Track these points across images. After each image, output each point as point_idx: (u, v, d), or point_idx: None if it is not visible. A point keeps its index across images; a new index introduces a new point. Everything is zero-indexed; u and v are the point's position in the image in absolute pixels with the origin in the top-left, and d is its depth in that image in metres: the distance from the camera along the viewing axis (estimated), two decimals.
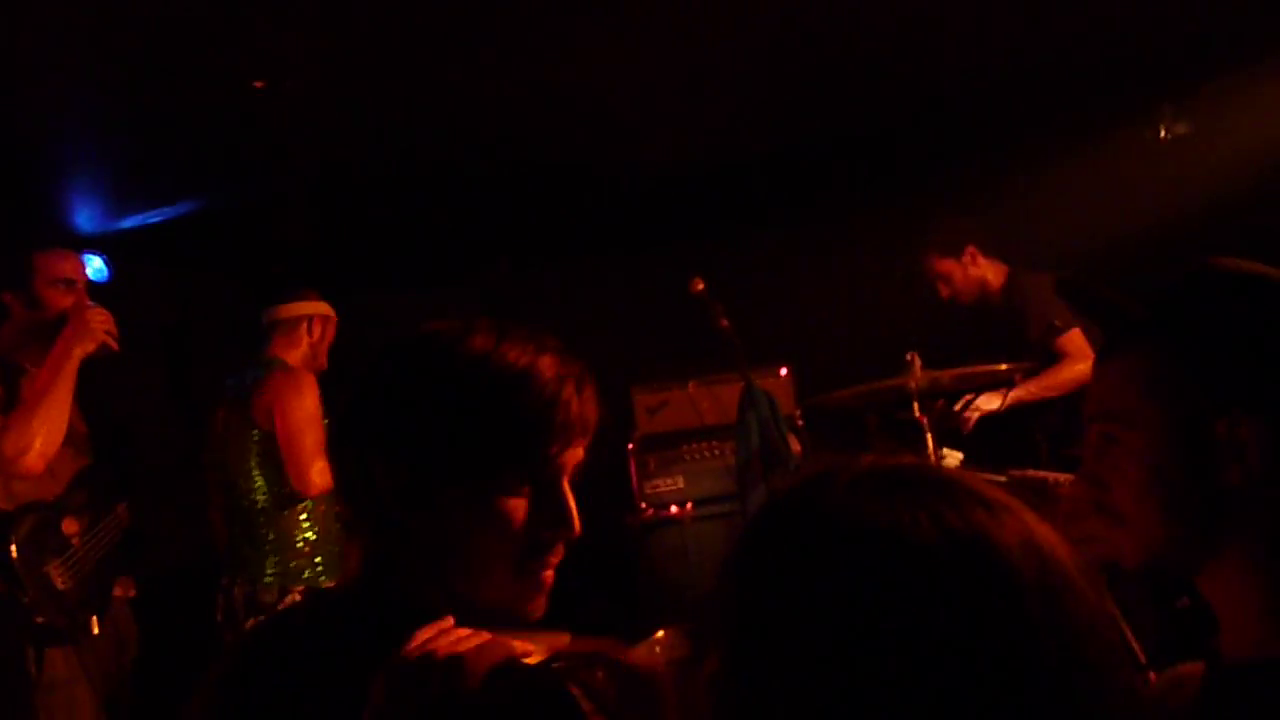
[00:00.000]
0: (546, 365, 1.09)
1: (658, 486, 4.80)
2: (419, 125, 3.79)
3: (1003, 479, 3.06)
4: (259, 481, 3.09)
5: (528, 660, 0.98)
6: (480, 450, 1.07)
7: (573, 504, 1.11)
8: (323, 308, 3.34)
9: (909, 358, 2.90)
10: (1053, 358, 3.54)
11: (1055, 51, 3.76)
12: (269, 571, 3.05)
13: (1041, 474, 3.01)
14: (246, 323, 3.84)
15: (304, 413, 3.02)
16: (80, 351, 2.70)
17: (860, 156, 4.61)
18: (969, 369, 3.35)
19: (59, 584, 2.72)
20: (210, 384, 3.72)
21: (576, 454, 1.13)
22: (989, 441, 3.65)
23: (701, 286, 3.79)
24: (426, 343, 1.13)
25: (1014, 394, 3.48)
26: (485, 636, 0.98)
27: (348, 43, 2.89)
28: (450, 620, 1.00)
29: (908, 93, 4.08)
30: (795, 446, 4.39)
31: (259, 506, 3.08)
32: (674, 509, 4.71)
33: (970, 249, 3.82)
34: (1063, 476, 2.91)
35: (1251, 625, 1.02)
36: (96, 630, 2.82)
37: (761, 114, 4.11)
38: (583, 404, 1.11)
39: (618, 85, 3.57)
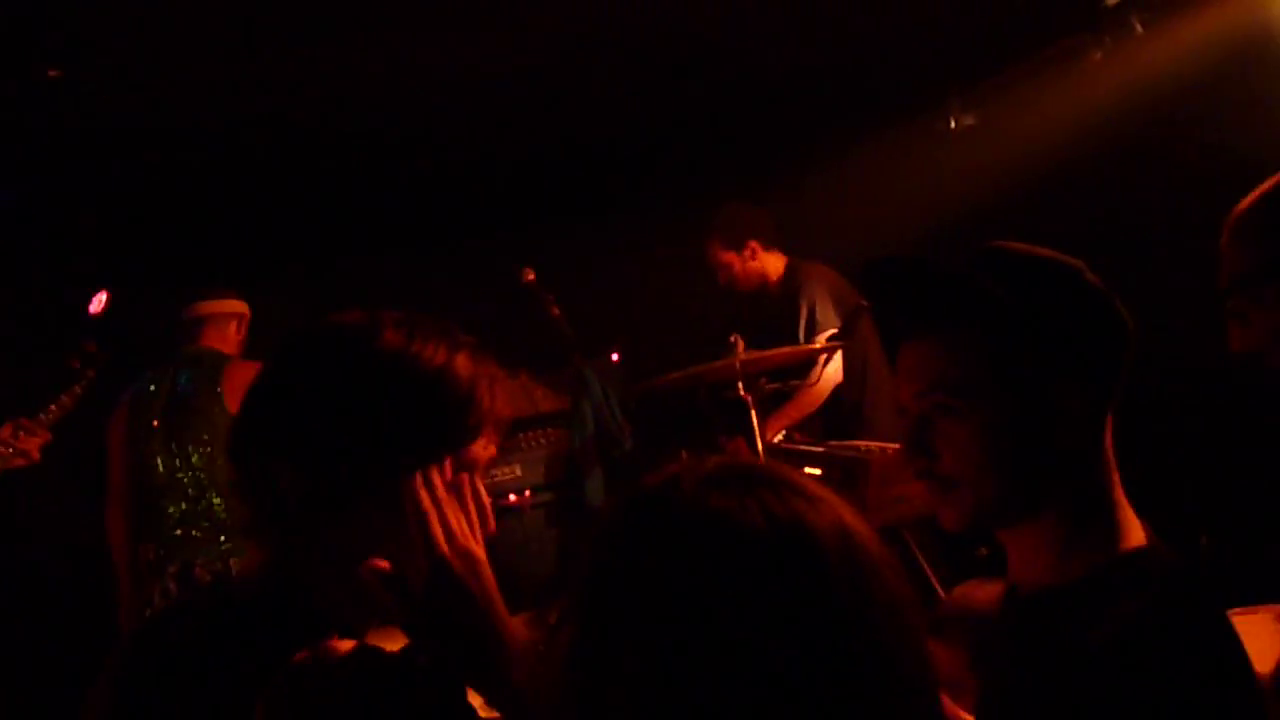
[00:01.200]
0: (461, 363, 1.08)
1: (495, 476, 4.82)
2: (233, 109, 3.66)
3: (820, 449, 3.28)
4: (220, 462, 3.09)
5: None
6: (394, 451, 1.03)
7: (488, 501, 1.09)
8: (245, 307, 3.49)
9: (732, 339, 3.04)
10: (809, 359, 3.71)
11: (849, 45, 3.98)
12: (229, 545, 3.14)
13: (854, 443, 3.24)
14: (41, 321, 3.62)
15: None
16: None
17: (676, 148, 4.75)
18: (789, 349, 3.53)
19: None
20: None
21: (490, 451, 1.12)
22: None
23: (532, 277, 3.84)
24: (333, 338, 1.09)
25: (779, 425, 3.68)
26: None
27: (147, 28, 2.76)
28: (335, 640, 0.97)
29: (716, 84, 4.23)
30: (628, 428, 4.51)
31: (212, 488, 3.15)
32: (512, 498, 4.74)
33: (751, 244, 3.96)
34: (874, 445, 3.15)
35: (1042, 566, 1.18)
36: None
37: (583, 103, 4.18)
38: (495, 401, 1.11)
39: (441, 74, 3.56)
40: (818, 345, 3.63)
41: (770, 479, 0.78)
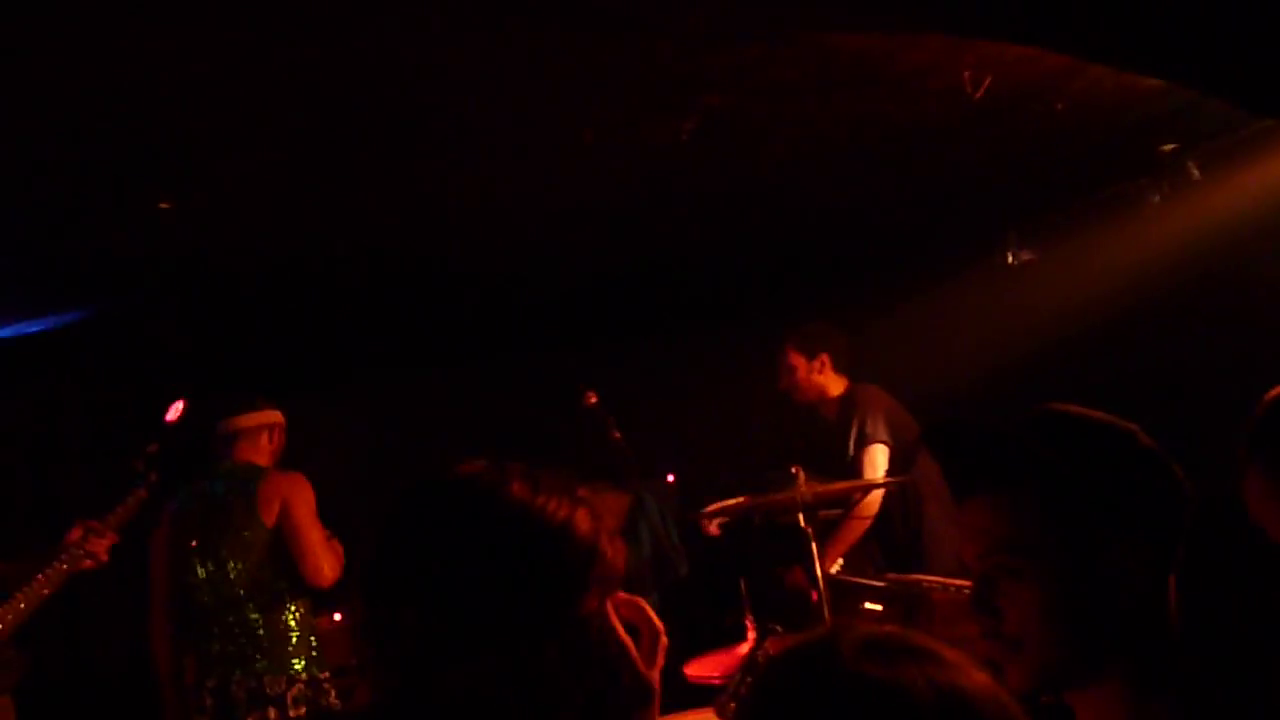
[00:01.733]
0: (583, 517, 1.09)
1: None
2: (307, 238, 3.85)
3: (881, 584, 3.25)
4: (265, 576, 3.21)
5: None
6: (517, 603, 1.05)
7: (631, 646, 1.12)
8: (279, 416, 3.51)
9: (794, 470, 3.07)
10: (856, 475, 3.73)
11: (910, 181, 4.10)
12: (264, 662, 3.17)
13: (916, 577, 3.21)
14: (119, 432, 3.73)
15: (310, 509, 3.24)
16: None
17: (741, 281, 4.87)
18: (849, 483, 3.54)
19: None
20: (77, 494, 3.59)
21: (604, 604, 1.12)
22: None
23: (595, 399, 3.92)
24: (462, 488, 1.11)
25: (835, 555, 3.69)
26: None
27: (252, 163, 2.96)
28: None
29: (779, 217, 4.37)
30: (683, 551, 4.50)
31: (250, 603, 3.20)
32: None
33: (824, 356, 4.03)
34: (935, 580, 3.12)
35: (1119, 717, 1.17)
36: None
37: (649, 233, 4.33)
38: (616, 554, 1.12)
39: (511, 199, 3.72)
40: (879, 480, 3.64)
41: (923, 649, 0.81)
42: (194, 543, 3.27)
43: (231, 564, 3.22)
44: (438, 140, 3.03)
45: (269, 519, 3.24)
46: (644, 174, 3.44)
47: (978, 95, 2.80)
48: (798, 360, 4.05)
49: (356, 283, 4.38)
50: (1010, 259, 4.59)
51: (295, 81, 2.46)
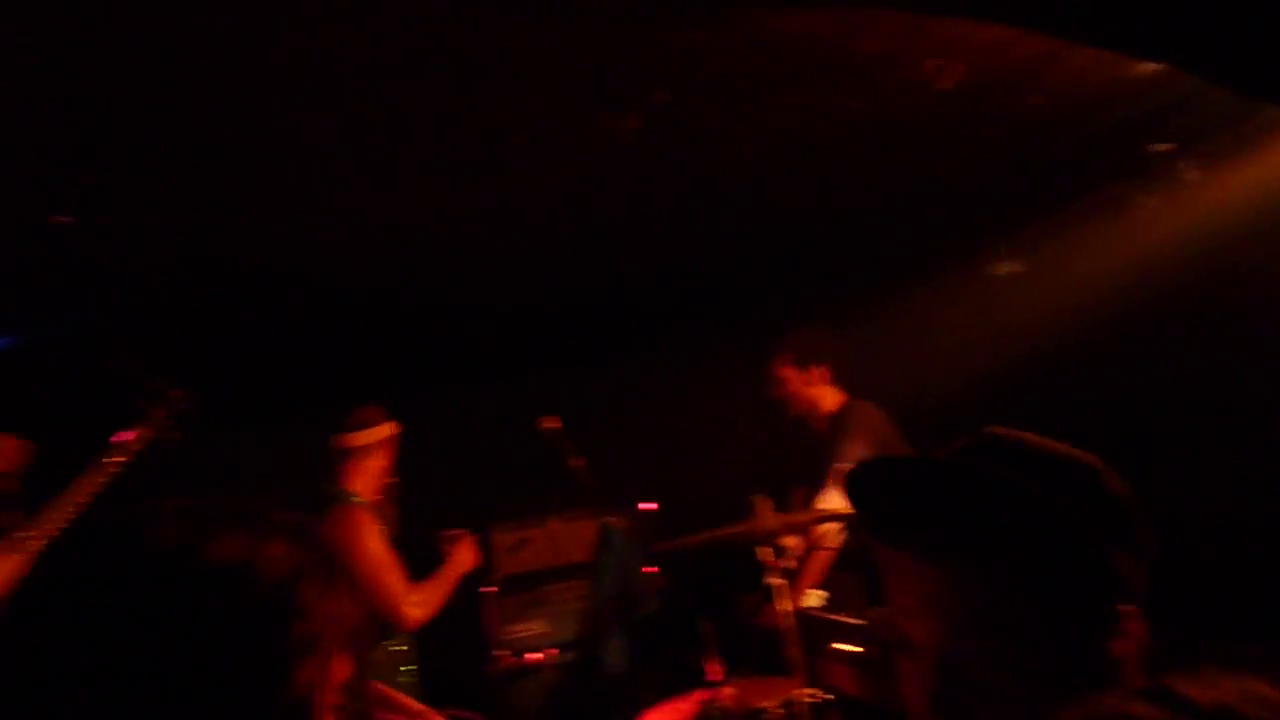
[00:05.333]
0: (275, 555, 0.78)
1: (518, 631, 4.57)
2: (257, 256, 3.65)
3: (858, 623, 2.99)
4: None
5: None
6: (185, 693, 0.73)
7: None
8: (390, 428, 3.30)
9: (751, 501, 2.82)
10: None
11: (891, 189, 3.89)
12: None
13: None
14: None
15: (372, 549, 3.00)
16: None
17: (713, 295, 4.66)
18: (817, 513, 3.30)
19: None
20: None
21: (341, 670, 0.80)
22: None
23: (556, 425, 3.69)
24: (85, 546, 0.78)
25: (802, 589, 3.46)
26: None
27: (166, 175, 2.75)
28: None
29: (762, 237, 4.16)
30: (659, 582, 4.25)
31: None
32: (532, 656, 4.46)
33: (816, 370, 3.79)
34: None
35: None
36: None
37: (614, 254, 4.12)
38: (337, 601, 0.80)
39: (471, 217, 3.53)
40: (833, 510, 3.39)
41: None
42: None
43: None
44: (369, 151, 2.82)
45: None
46: (594, 181, 3.22)
47: (946, 88, 2.57)
48: (787, 371, 3.80)
49: (304, 305, 4.17)
50: (997, 270, 4.38)
51: (200, 84, 2.25)
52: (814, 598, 3.59)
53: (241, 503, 0.83)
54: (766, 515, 2.73)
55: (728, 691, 2.52)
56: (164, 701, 0.72)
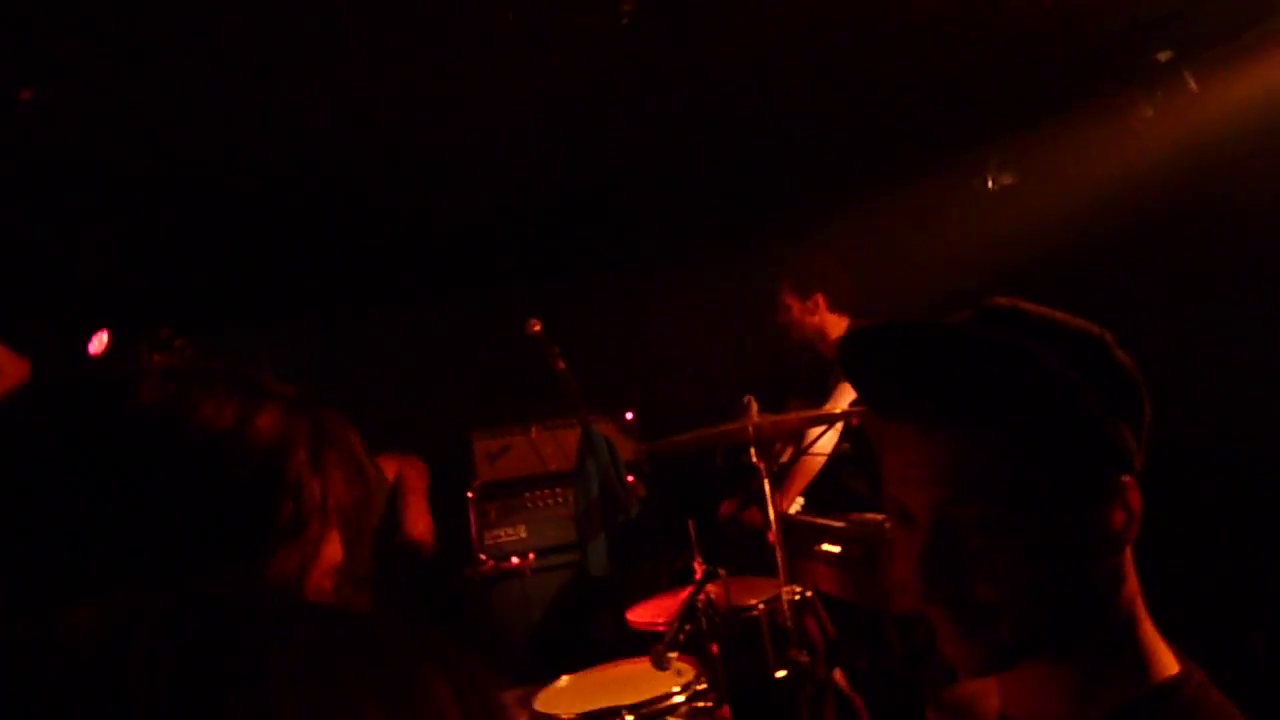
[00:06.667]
0: (266, 424, 0.72)
1: (499, 536, 4.60)
2: (235, 150, 3.53)
3: (841, 524, 3.02)
4: None
5: None
6: (151, 561, 0.66)
7: None
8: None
9: (745, 401, 2.81)
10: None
11: (886, 100, 3.81)
12: None
13: (876, 518, 2.98)
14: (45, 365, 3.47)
15: None
16: None
17: (701, 198, 4.58)
18: (804, 413, 3.30)
19: None
20: None
21: (331, 553, 0.74)
22: (824, 484, 3.62)
23: (539, 328, 3.64)
24: (68, 399, 0.71)
25: (790, 495, 3.47)
26: None
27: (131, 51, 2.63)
28: None
29: (747, 140, 4.06)
30: (640, 491, 4.27)
31: None
32: (514, 560, 4.50)
33: (818, 297, 3.78)
34: None
35: (1055, 704, 0.96)
36: None
37: (600, 152, 4.02)
38: (328, 478, 0.74)
39: (458, 118, 3.42)
40: (837, 410, 3.39)
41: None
42: None
43: None
44: (350, 38, 2.70)
45: None
46: (582, 77, 3.12)
47: None
48: (790, 299, 3.80)
49: (286, 203, 4.06)
50: (990, 183, 4.32)
51: None
52: (797, 504, 3.62)
53: (238, 368, 0.77)
54: (757, 416, 2.71)
55: (712, 589, 2.53)
56: (138, 575, 0.66)
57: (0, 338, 2.96)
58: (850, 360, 1.01)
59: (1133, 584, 0.97)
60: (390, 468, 3.45)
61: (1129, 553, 0.97)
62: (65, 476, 0.68)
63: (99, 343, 4.20)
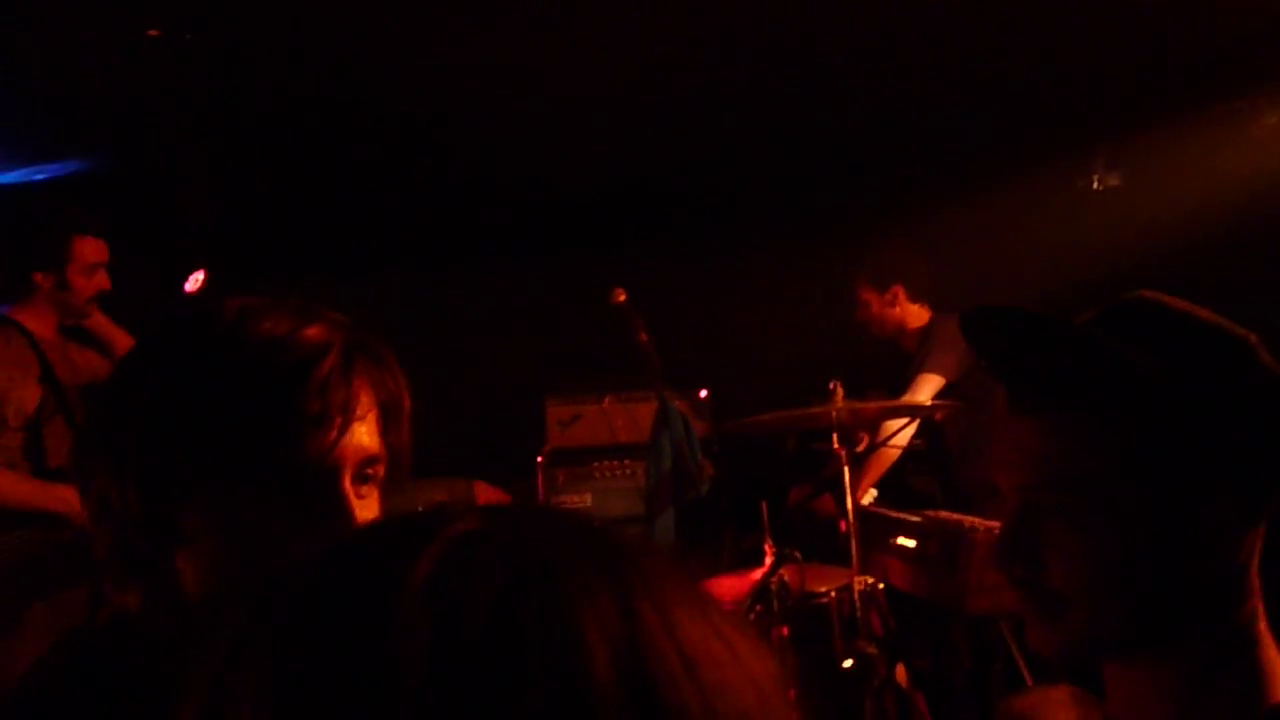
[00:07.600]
0: (313, 333, 0.86)
1: (565, 503, 4.63)
2: (337, 100, 3.58)
3: (918, 519, 2.97)
4: None
5: None
6: (215, 451, 0.83)
7: (351, 507, 0.86)
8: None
9: (831, 386, 2.77)
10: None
11: (994, 97, 3.71)
12: None
13: (956, 516, 2.93)
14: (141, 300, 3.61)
15: None
16: None
17: (795, 185, 4.53)
18: (891, 402, 3.25)
19: None
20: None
21: (358, 444, 0.87)
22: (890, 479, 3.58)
23: (624, 298, 3.63)
24: (166, 330, 0.92)
25: (865, 486, 3.41)
26: None
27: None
28: None
29: (845, 123, 4.00)
30: (709, 470, 4.26)
31: None
32: None
33: (896, 289, 3.71)
34: (978, 522, 2.83)
35: (1163, 714, 0.93)
36: None
37: (698, 128, 3.99)
38: (352, 379, 0.87)
39: (552, 91, 3.42)
40: (925, 403, 3.33)
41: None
42: None
43: None
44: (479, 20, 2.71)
45: None
46: (691, 44, 3.09)
47: None
48: (867, 294, 3.75)
49: (378, 159, 4.11)
50: (1096, 183, 4.20)
51: None
52: (868, 495, 3.58)
53: (306, 302, 0.92)
54: (841, 401, 2.68)
55: (786, 572, 2.52)
56: (197, 448, 0.83)
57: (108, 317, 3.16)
58: (971, 330, 1.00)
59: (1254, 601, 0.94)
60: (486, 495, 3.66)
61: (1254, 569, 0.94)
62: (183, 379, 0.87)
63: (194, 281, 4.31)
